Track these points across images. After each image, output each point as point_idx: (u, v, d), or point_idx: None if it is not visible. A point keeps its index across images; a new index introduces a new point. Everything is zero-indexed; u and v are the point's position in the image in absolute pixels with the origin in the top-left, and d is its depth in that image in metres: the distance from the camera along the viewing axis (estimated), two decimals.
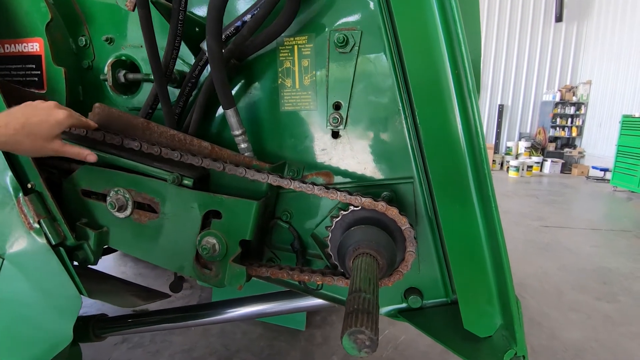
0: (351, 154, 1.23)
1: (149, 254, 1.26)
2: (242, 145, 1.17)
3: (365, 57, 1.16)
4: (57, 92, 1.37)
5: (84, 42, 1.46)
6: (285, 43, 1.22)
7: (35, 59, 1.35)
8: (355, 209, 1.04)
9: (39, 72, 1.36)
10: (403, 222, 0.99)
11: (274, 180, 1.06)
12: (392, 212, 0.98)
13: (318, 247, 1.18)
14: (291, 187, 1.07)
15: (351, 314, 0.61)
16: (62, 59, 1.40)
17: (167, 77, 1.21)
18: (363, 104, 1.20)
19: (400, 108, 1.16)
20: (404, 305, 1.29)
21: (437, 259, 1.25)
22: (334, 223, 1.06)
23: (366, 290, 0.68)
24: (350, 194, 1.04)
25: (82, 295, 1.25)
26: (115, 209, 1.21)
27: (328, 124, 1.21)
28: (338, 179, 1.27)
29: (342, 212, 1.05)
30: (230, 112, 1.12)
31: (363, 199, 1.01)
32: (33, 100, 1.39)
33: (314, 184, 1.06)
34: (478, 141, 0.96)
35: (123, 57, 1.45)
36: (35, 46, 1.34)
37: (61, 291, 1.22)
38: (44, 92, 1.39)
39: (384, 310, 1.31)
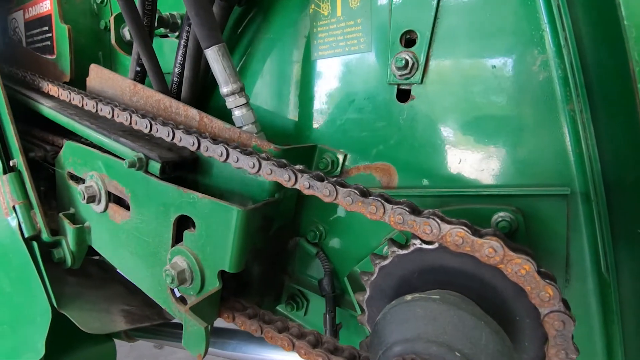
0: (434, 132, 0.65)
1: (126, 268, 0.91)
2: (237, 113, 0.70)
3: None
4: (63, 56, 1.14)
5: None
6: None
7: (47, 19, 1.14)
8: (424, 246, 0.46)
9: (50, 35, 1.15)
10: (546, 297, 0.38)
11: (267, 170, 0.56)
12: (521, 269, 0.38)
13: (355, 302, 0.64)
14: (296, 185, 0.55)
15: None
16: (72, 17, 1.16)
17: (147, 14, 0.82)
18: (462, 36, 0.60)
19: (550, 43, 0.53)
20: None
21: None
22: (376, 270, 0.50)
23: None
24: (414, 211, 0.47)
25: None
26: (85, 200, 0.88)
27: (390, 74, 0.65)
28: (407, 178, 0.69)
29: (394, 249, 0.48)
30: (212, 53, 0.66)
31: (445, 227, 0.43)
32: (48, 67, 1.20)
33: (339, 184, 0.52)
34: None
35: None
36: (46, 5, 1.13)
37: (30, 298, 0.96)
38: (54, 57, 1.17)
39: None
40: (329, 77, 0.75)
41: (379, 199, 0.47)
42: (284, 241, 0.81)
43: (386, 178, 0.71)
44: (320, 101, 0.77)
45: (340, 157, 0.75)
